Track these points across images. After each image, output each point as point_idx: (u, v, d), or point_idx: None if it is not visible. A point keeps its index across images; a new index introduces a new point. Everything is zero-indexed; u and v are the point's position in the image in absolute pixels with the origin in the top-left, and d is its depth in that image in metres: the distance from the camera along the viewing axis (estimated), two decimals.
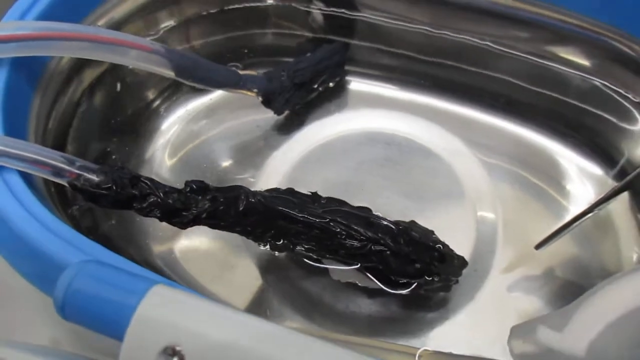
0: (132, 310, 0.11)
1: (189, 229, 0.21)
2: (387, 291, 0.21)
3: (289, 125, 0.26)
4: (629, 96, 0.23)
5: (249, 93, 0.25)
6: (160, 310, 0.12)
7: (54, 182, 0.18)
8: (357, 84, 0.28)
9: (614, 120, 0.24)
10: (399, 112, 0.27)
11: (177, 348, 0.11)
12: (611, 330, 0.13)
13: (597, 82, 0.23)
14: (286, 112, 0.26)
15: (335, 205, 0.19)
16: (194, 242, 0.22)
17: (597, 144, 0.24)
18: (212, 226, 0.18)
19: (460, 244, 0.22)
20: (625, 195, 0.21)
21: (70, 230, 0.14)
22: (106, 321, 0.12)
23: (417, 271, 0.18)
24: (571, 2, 0.22)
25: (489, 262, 0.23)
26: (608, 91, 0.23)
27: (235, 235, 0.21)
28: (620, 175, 0.22)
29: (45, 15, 0.19)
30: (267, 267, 0.22)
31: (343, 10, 0.26)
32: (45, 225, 0.14)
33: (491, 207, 0.24)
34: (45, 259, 0.14)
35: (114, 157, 0.23)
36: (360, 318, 0.21)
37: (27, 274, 0.15)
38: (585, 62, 0.23)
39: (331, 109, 0.27)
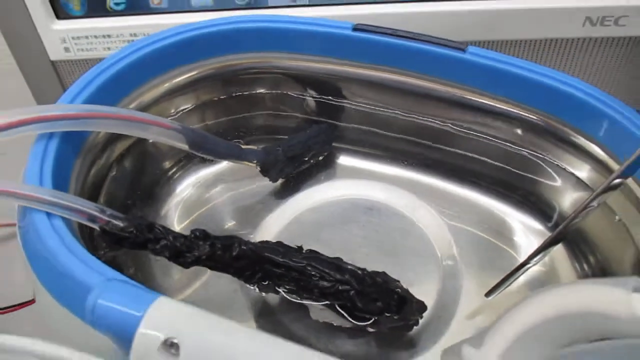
0: (143, 313, 0.15)
1: (196, 278, 0.25)
2: (362, 333, 0.24)
3: (284, 192, 0.30)
4: (548, 159, 0.27)
5: (249, 164, 0.28)
6: (162, 313, 0.15)
7: (83, 232, 0.22)
8: (344, 158, 0.32)
9: (540, 180, 0.28)
10: (378, 183, 0.30)
11: (174, 340, 0.15)
12: (513, 346, 0.16)
13: (525, 151, 0.27)
14: (281, 180, 0.30)
15: (313, 255, 0.23)
16: (197, 287, 0.26)
17: (533, 202, 0.28)
18: (210, 267, 0.22)
19: (427, 294, 0.25)
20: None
21: (97, 261, 0.18)
22: (123, 322, 0.16)
23: (378, 308, 0.22)
24: (508, 92, 0.26)
25: (452, 310, 0.25)
26: (533, 157, 0.27)
27: (232, 282, 0.25)
28: (555, 227, 0.25)
29: (89, 99, 0.24)
30: (259, 311, 0.25)
31: (330, 97, 0.31)
32: (78, 257, 0.18)
33: (454, 263, 0.27)
34: (76, 282, 0.18)
35: (136, 212, 0.27)
36: (338, 355, 0.24)
37: (62, 298, 0.19)
38: (517, 136, 0.27)
39: (321, 178, 0.31)
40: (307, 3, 0.34)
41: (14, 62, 0.37)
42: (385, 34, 0.27)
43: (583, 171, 0.26)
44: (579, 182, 0.26)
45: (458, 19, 0.33)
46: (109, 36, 0.35)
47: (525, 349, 0.16)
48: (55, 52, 0.36)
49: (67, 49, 0.36)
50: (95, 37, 0.35)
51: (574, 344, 0.15)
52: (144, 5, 0.35)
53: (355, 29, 0.27)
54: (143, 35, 0.35)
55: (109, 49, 0.36)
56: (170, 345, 0.15)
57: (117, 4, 0.35)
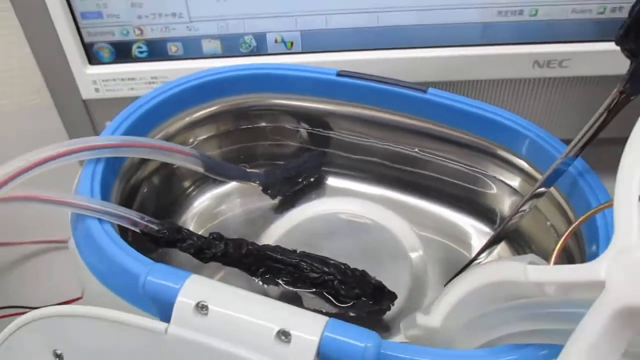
0: (181, 285, 0.21)
1: (215, 274, 0.31)
2: (345, 317, 0.29)
3: (281, 208, 0.35)
4: (489, 174, 0.32)
5: (253, 184, 0.34)
6: (193, 286, 0.21)
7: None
8: (331, 180, 0.37)
9: (485, 191, 0.33)
10: (360, 200, 0.36)
11: (204, 303, 0.21)
12: (452, 309, 0.22)
13: (472, 169, 0.33)
14: (279, 198, 0.35)
15: (305, 253, 0.29)
16: None
17: (481, 210, 0.33)
18: (224, 263, 0.28)
19: (399, 289, 0.30)
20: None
21: (140, 254, 0.24)
22: (166, 293, 0.21)
23: (356, 294, 0.28)
24: (458, 123, 0.32)
25: (420, 301, 0.31)
26: (478, 174, 0.33)
27: (239, 281, 0.30)
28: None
29: (126, 132, 0.30)
30: None
31: (320, 129, 0.36)
32: (125, 251, 0.24)
33: (423, 264, 0.32)
34: (126, 271, 0.23)
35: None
36: None
37: (113, 285, 0.24)
38: (466, 157, 0.33)
39: (312, 197, 0.36)
40: (300, 50, 0.41)
41: (50, 100, 0.43)
42: (362, 78, 0.33)
43: (515, 182, 0.31)
44: (514, 191, 0.31)
45: (423, 63, 0.40)
46: (133, 79, 0.41)
47: (460, 311, 0.22)
48: (87, 92, 0.42)
49: (97, 90, 0.42)
50: (122, 79, 0.41)
51: (494, 304, 0.21)
52: (163, 52, 0.41)
53: (339, 74, 0.34)
54: (163, 78, 0.41)
55: (132, 89, 0.42)
56: (201, 307, 0.21)
57: (140, 52, 0.41)
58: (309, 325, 0.20)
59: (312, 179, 0.37)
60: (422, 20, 0.40)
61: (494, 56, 0.41)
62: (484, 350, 0.21)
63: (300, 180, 0.36)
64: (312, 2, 0.39)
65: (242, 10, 0.39)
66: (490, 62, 0.41)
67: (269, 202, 0.36)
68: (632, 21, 0.21)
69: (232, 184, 0.36)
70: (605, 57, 0.41)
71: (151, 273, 0.22)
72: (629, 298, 0.16)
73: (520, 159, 0.30)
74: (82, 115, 0.44)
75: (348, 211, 0.36)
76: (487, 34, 0.41)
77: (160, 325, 0.21)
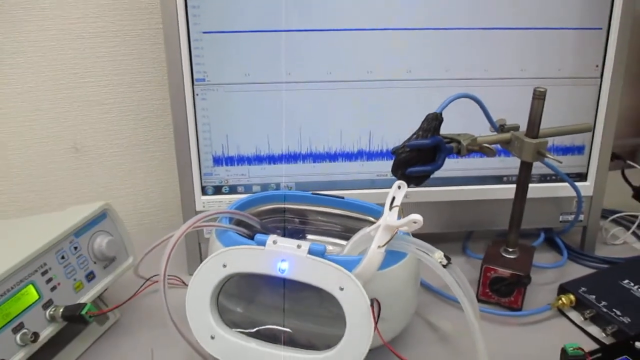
0: (268, 237, 0.72)
1: None
2: None
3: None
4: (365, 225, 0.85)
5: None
6: (272, 237, 0.72)
7: None
8: (309, 236, 0.88)
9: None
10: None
11: (275, 240, 0.71)
12: (349, 246, 0.73)
13: (358, 227, 0.86)
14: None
15: None
16: None
17: None
18: None
19: None
20: None
21: (245, 238, 0.74)
22: (263, 238, 0.72)
23: None
24: (359, 209, 0.86)
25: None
26: (357, 227, 0.85)
27: None
28: None
29: (237, 207, 0.82)
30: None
31: (303, 217, 0.88)
32: (240, 238, 0.74)
33: None
34: (239, 242, 0.74)
35: None
36: None
37: None
38: (361, 224, 0.86)
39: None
40: (295, 189, 0.96)
41: (181, 211, 0.95)
42: (321, 194, 0.87)
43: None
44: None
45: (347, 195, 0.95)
46: (220, 202, 0.94)
47: (351, 245, 0.73)
48: (199, 207, 0.94)
49: (204, 205, 0.94)
50: (215, 202, 0.94)
51: (360, 240, 0.72)
52: (235, 190, 0.95)
53: (312, 193, 0.87)
54: (235, 200, 0.94)
55: (219, 206, 0.95)
56: (274, 242, 0.71)
57: (225, 190, 0.95)
58: (306, 244, 0.70)
59: (300, 235, 0.89)
60: (346, 178, 0.96)
61: (378, 193, 0.97)
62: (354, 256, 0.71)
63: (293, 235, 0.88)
64: (300, 171, 0.95)
65: (270, 174, 0.95)
66: (377, 196, 0.96)
67: None
68: (394, 162, 0.76)
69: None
70: (426, 192, 0.96)
71: (258, 235, 0.72)
72: (383, 224, 0.69)
73: (373, 218, 0.83)
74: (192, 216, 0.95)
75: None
76: (374, 184, 0.97)
77: (261, 247, 0.71)
